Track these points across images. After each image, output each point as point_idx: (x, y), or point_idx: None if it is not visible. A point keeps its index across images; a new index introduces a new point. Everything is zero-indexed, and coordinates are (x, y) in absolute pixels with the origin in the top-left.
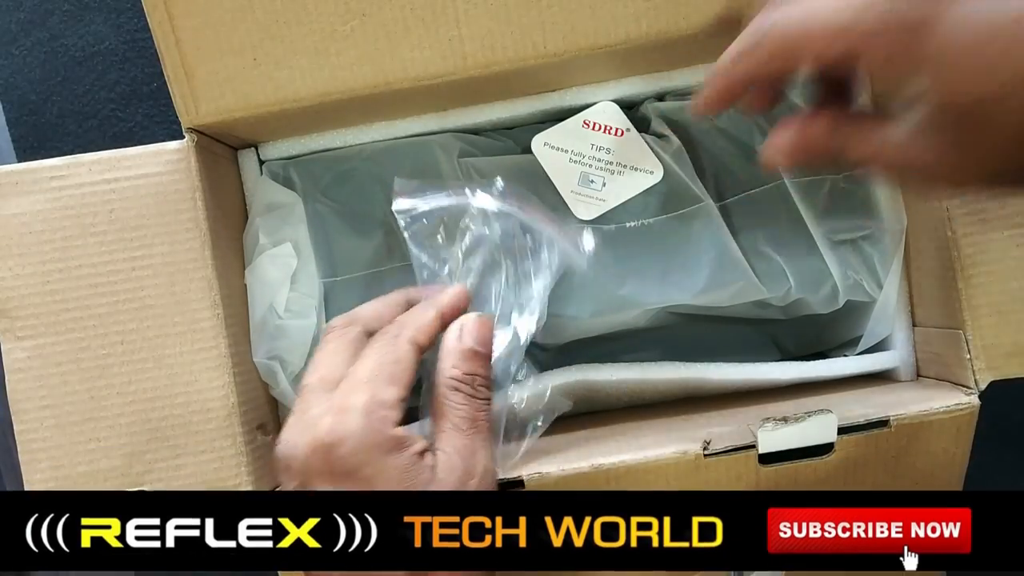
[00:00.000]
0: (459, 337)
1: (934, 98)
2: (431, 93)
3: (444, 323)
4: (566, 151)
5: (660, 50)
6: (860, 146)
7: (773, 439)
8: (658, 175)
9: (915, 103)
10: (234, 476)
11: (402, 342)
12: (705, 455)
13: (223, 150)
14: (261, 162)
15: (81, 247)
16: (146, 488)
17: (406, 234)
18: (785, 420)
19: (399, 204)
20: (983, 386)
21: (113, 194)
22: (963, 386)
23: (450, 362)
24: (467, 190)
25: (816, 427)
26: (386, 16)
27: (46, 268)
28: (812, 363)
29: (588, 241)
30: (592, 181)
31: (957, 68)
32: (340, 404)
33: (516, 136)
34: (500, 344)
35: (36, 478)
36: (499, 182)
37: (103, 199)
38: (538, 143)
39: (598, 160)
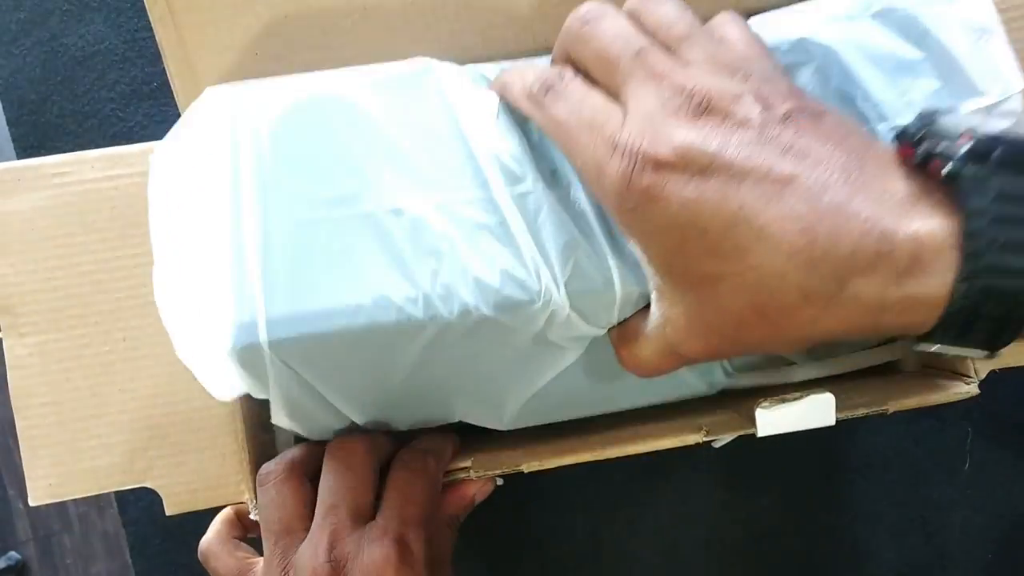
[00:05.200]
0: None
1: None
2: None
3: None
4: None
5: None
6: None
7: (771, 418)
8: None
9: None
10: (236, 473)
11: None
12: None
13: None
14: None
15: (83, 244)
16: (148, 485)
17: None
18: (783, 400)
19: None
20: (983, 375)
21: (116, 191)
22: (963, 375)
23: None
24: None
25: (815, 408)
26: (387, 9)
27: (48, 265)
28: (814, 363)
29: None
30: None
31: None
32: None
33: None
34: None
35: (38, 474)
36: None
37: (106, 196)
38: None
39: None
